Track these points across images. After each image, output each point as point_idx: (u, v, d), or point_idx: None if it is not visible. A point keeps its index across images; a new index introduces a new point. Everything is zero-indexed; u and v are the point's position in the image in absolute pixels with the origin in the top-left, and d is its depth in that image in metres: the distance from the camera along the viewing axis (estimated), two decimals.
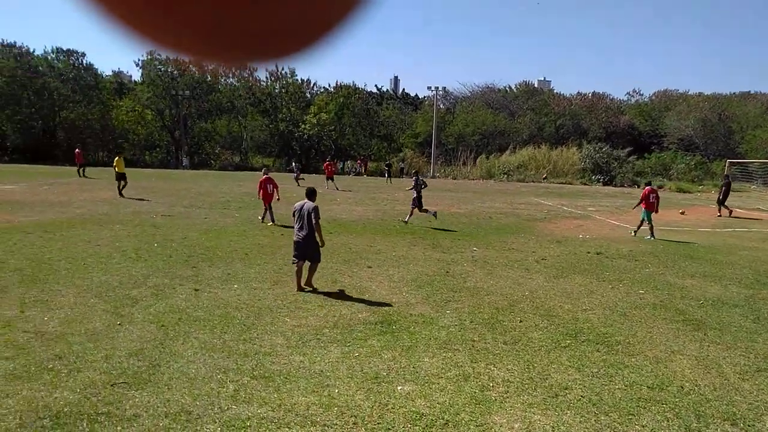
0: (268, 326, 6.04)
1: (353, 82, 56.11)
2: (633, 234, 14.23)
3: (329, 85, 52.27)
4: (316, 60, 0.43)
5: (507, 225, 15.50)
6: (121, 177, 18.98)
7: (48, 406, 4.06)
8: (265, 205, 13.99)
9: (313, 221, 7.57)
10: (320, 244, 7.75)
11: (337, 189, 25.76)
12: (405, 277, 8.63)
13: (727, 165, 27.33)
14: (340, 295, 7.44)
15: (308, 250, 7.65)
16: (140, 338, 5.50)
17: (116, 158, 19.67)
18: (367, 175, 42.21)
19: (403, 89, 76.27)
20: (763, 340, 6.26)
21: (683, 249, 12.29)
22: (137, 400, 4.21)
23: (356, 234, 12.80)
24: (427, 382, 4.76)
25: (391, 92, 72.52)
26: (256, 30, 0.36)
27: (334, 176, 28.05)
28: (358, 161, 45.54)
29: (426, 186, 15.18)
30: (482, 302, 7.38)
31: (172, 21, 0.35)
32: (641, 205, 13.98)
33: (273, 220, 13.86)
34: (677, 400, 4.63)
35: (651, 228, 13.88)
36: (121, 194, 18.70)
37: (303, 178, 28.15)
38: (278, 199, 14.14)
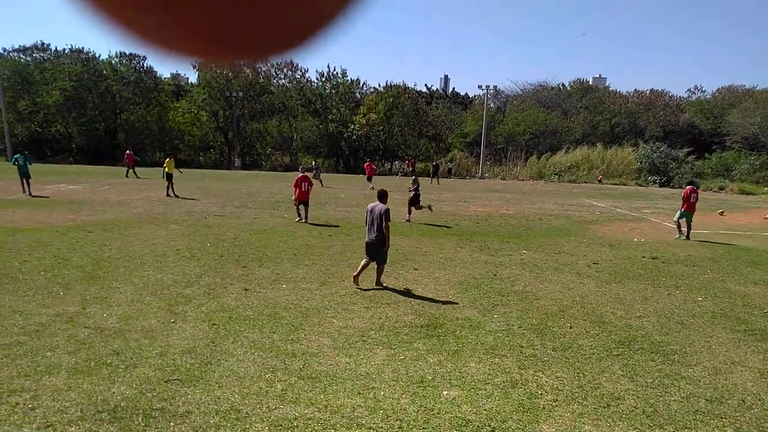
0: (315, 327, 6.13)
1: (403, 81, 56.06)
2: (684, 238, 13.60)
3: (379, 85, 52.52)
4: (314, 54, 0.43)
5: (557, 227, 15.15)
6: (169, 177, 19.61)
7: (106, 400, 4.25)
8: (297, 203, 14.31)
9: (384, 223, 7.79)
10: (386, 247, 7.97)
11: (374, 189, 25.83)
12: (451, 280, 8.57)
13: None
14: (386, 297, 7.46)
15: (376, 251, 7.91)
16: (193, 336, 5.68)
17: (167, 159, 20.37)
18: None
19: (453, 88, 75.96)
20: None
21: (746, 254, 11.68)
22: (189, 396, 4.35)
23: (402, 235, 12.79)
24: (473, 388, 4.71)
25: (441, 91, 72.19)
26: (252, 26, 0.36)
27: (372, 177, 28.11)
28: (407, 161, 45.54)
29: (418, 186, 15.77)
30: (531, 307, 7.24)
31: (166, 19, 0.36)
32: (683, 207, 13.58)
33: (306, 218, 14.22)
34: (738, 414, 4.40)
35: (688, 229, 13.62)
36: (172, 194, 19.35)
37: (319, 178, 27.38)
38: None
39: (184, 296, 7.11)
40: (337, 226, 13.69)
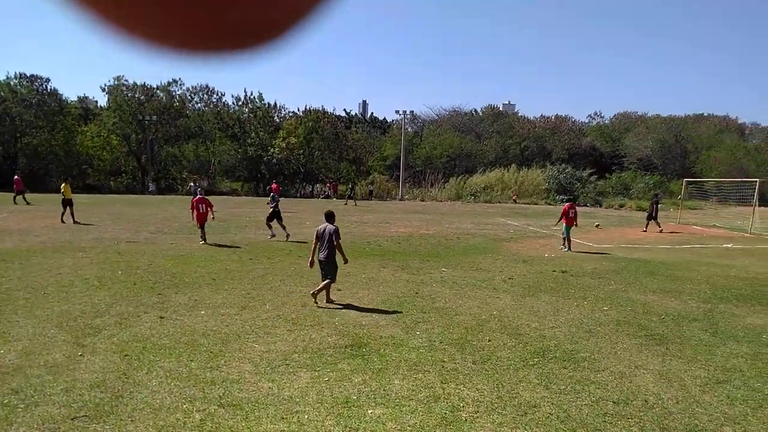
0: (235, 353, 5.95)
1: (322, 106, 56.38)
2: (567, 250, 14.90)
3: (298, 109, 52.46)
4: (283, 52, 0.44)
5: (474, 245, 15.68)
6: (68, 203, 18.53)
7: None
8: (198, 225, 14.49)
9: (335, 242, 8.24)
10: (344, 262, 8.56)
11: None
12: (375, 299, 8.63)
13: (684, 184, 28.32)
14: (310, 319, 7.38)
15: (326, 269, 8.31)
16: (102, 369, 5.34)
17: (63, 184, 19.27)
18: (337, 198, 42.21)
19: (372, 113, 77.26)
20: (721, 352, 6.46)
21: (644, 266, 12.63)
22: None
23: None
24: (397, 405, 4.75)
25: (360, 116, 73.17)
26: (229, 18, 0.37)
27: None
28: (327, 185, 45.57)
29: (278, 204, 16.20)
30: (451, 322, 7.43)
31: (149, 11, 0.36)
32: (562, 220, 15.07)
33: (204, 239, 14.35)
34: (642, 414, 4.73)
35: (569, 242, 15.02)
36: (70, 220, 18.32)
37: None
38: (213, 218, 14.92)
39: (92, 327, 6.68)
40: (239, 247, 13.42)
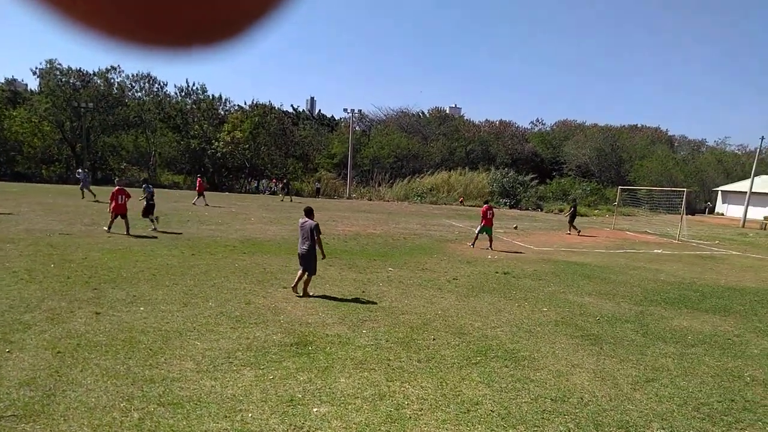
0: (176, 350, 5.79)
1: (269, 101, 55.52)
2: (487, 248, 15.84)
3: (245, 103, 51.39)
4: (238, 50, 0.44)
5: (420, 246, 15.86)
6: None
7: None
8: (112, 216, 14.35)
9: (315, 237, 8.50)
10: (322, 257, 8.74)
11: (207, 204, 25.66)
12: (321, 298, 8.59)
13: (618, 191, 29.65)
14: (254, 317, 7.27)
15: (307, 262, 8.54)
16: (33, 366, 5.07)
17: None
18: (283, 195, 41.66)
19: (320, 110, 76.56)
20: (651, 352, 6.82)
21: (581, 269, 13.16)
22: None
23: (271, 254, 12.58)
24: (343, 403, 4.75)
25: (308, 113, 72.45)
26: (187, 14, 0.37)
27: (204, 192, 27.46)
28: (273, 180, 44.91)
29: (153, 196, 16.19)
30: (397, 321, 7.50)
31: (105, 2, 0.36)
32: (482, 221, 15.92)
33: (128, 231, 14.22)
34: (578, 410, 4.93)
35: (490, 241, 16.06)
36: None
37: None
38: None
39: (21, 323, 6.32)
40: (181, 242, 13.07)
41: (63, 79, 43.94)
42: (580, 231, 22.11)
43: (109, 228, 14.36)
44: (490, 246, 15.82)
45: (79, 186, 25.95)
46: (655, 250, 18.39)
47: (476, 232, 16.22)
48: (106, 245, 12.26)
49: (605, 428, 4.61)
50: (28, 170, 42.07)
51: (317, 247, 8.59)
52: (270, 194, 41.40)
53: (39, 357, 5.32)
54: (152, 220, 15.64)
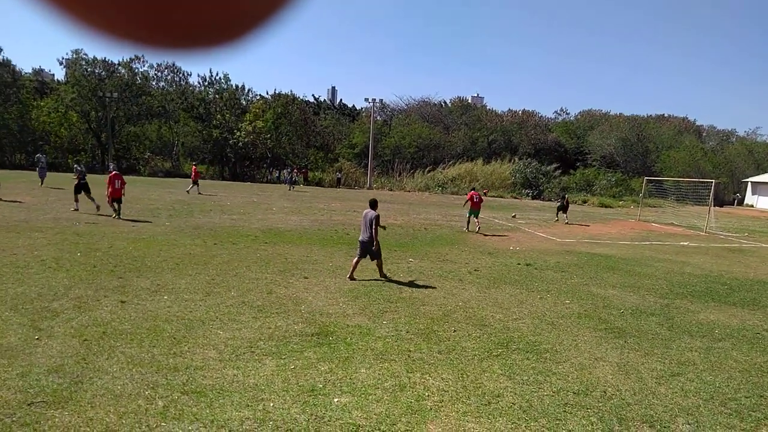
0: (200, 339, 5.86)
1: (291, 90, 55.62)
2: (466, 230, 17.47)
3: (267, 93, 51.61)
4: (247, 51, 0.44)
5: (442, 236, 15.80)
6: None
7: None
8: (110, 201, 15.06)
9: (374, 226, 9.21)
10: (374, 246, 9.33)
11: (200, 193, 25.89)
12: (342, 288, 8.62)
13: (644, 182, 29.12)
14: (276, 306, 7.32)
15: (368, 249, 9.27)
16: (61, 353, 5.18)
17: None
18: (304, 184, 41.89)
19: (341, 99, 76.48)
20: (677, 346, 6.70)
21: (605, 261, 12.97)
22: (57, 420, 3.96)
23: (292, 244, 12.66)
24: (363, 394, 4.76)
25: (329, 102, 72.51)
26: (191, 15, 0.36)
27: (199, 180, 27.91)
28: (295, 170, 45.17)
29: (85, 175, 16.90)
30: (418, 312, 7.48)
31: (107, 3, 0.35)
32: (468, 204, 17.57)
33: (119, 215, 15.06)
34: (601, 404, 4.87)
35: (477, 223, 17.40)
36: None
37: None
38: (123, 195, 15.44)
39: (50, 310, 6.47)
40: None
41: (88, 69, 44.62)
42: (565, 219, 22.56)
43: (115, 212, 15.12)
44: (478, 228, 17.20)
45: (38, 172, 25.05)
46: (682, 243, 18.04)
47: (467, 215, 17.76)
48: (131, 234, 12.46)
49: (629, 423, 4.54)
50: (55, 159, 42.89)
51: (374, 235, 9.28)
52: (291, 184, 41.63)
53: (67, 344, 5.44)
54: (91, 200, 16.16)
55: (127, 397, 4.39)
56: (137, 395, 4.43)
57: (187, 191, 25.77)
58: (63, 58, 45.50)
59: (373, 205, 9.55)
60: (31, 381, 4.56)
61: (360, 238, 9.43)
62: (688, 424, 4.59)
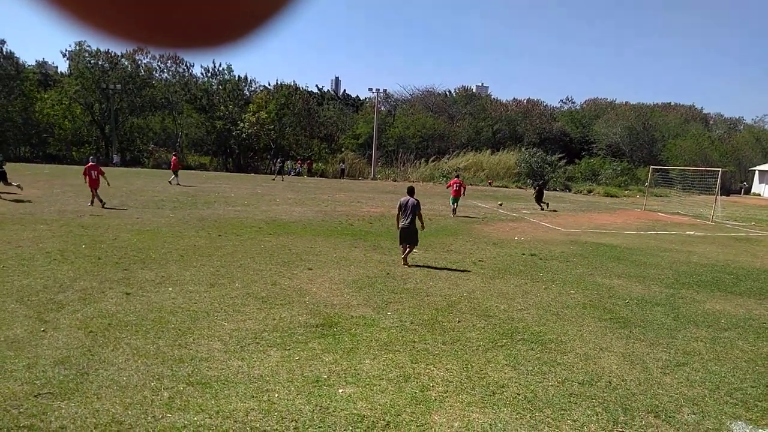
0: (204, 331, 5.87)
1: (294, 81, 55.44)
2: (453, 215, 18.39)
3: (269, 84, 51.47)
4: (248, 50, 0.43)
5: (446, 227, 15.77)
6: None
7: None
8: (91, 191, 15.77)
9: (417, 212, 9.79)
10: (422, 228, 10.01)
11: (179, 184, 25.61)
12: (346, 279, 8.62)
13: (650, 171, 28.96)
14: (280, 298, 7.33)
15: (410, 236, 9.74)
16: (66, 345, 5.20)
17: None
18: (308, 176, 41.88)
19: (344, 90, 76.23)
20: (682, 336, 6.67)
21: (610, 251, 12.92)
22: (63, 411, 3.98)
23: (296, 235, 12.66)
24: (368, 384, 4.77)
25: (332, 93, 72.27)
26: (192, 15, 0.36)
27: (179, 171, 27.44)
28: (298, 161, 45.14)
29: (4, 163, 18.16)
30: (422, 303, 7.48)
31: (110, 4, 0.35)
32: (452, 192, 18.57)
33: (92, 203, 15.69)
34: (605, 394, 4.85)
35: (454, 210, 18.53)
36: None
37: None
38: (108, 185, 16.55)
39: (55, 302, 6.49)
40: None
41: (92, 61, 44.58)
42: (545, 207, 22.92)
43: (100, 202, 15.64)
44: (453, 213, 18.40)
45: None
46: (688, 232, 17.95)
47: (450, 203, 18.72)
48: (135, 226, 12.49)
49: (634, 412, 4.53)
50: (59, 152, 43.07)
51: (418, 221, 9.79)
52: (295, 175, 41.62)
53: (72, 336, 5.46)
54: (15, 185, 16.95)
55: (132, 388, 4.41)
56: (143, 386, 4.45)
57: (170, 182, 25.55)
58: (66, 51, 45.51)
59: (411, 192, 10.09)
60: (37, 372, 4.58)
61: (401, 225, 9.82)
62: (694, 414, 4.57)
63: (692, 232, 17.87)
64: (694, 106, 67.25)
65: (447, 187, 18.92)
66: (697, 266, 11.54)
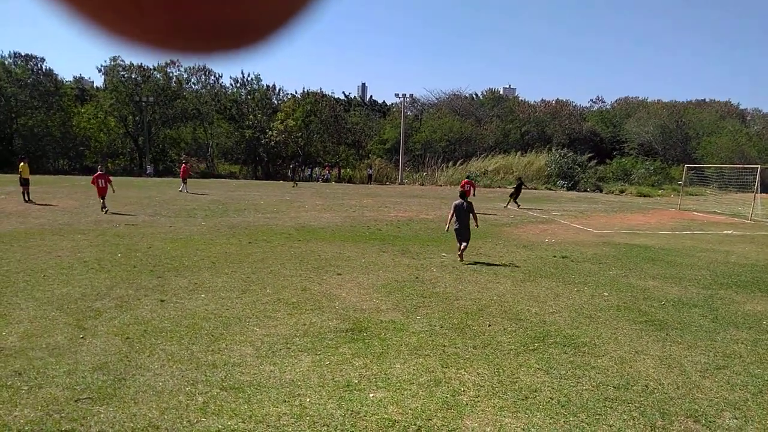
0: (236, 336, 5.96)
1: (320, 88, 55.99)
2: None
3: (296, 92, 52.05)
4: (270, 54, 0.43)
5: (474, 230, 15.62)
6: (25, 183, 19.26)
7: (8, 425, 3.91)
8: (100, 197, 16.96)
9: (473, 212, 10.94)
10: (476, 226, 11.11)
11: (188, 192, 25.93)
12: (375, 284, 8.63)
13: (684, 170, 28.25)
14: (310, 303, 7.38)
15: (465, 235, 10.73)
16: (104, 351, 5.35)
17: (21, 164, 20.01)
18: (335, 182, 42.15)
19: (371, 95, 76.70)
20: (721, 338, 6.48)
21: (644, 252, 12.64)
22: (102, 415, 4.09)
23: (325, 241, 12.75)
24: (398, 389, 4.76)
25: (359, 99, 72.65)
26: (212, 20, 0.36)
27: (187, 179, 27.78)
28: (326, 167, 45.47)
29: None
30: (452, 307, 7.44)
31: (135, 11, 0.35)
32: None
33: (105, 211, 16.50)
34: (642, 399, 4.74)
35: None
36: (28, 200, 19.00)
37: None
38: (113, 191, 17.59)
39: (93, 310, 6.68)
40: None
41: (125, 75, 45.86)
42: (519, 206, 23.39)
43: (103, 207, 16.70)
44: None
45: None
46: (725, 231, 17.43)
47: None
48: (169, 235, 12.76)
49: (672, 417, 4.41)
50: (95, 164, 44.17)
51: (472, 220, 10.86)
52: (323, 181, 41.93)
53: (110, 342, 5.60)
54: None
55: (168, 393, 4.50)
56: (178, 391, 4.54)
57: (180, 191, 25.98)
58: (102, 66, 46.91)
59: (463, 195, 11.08)
60: (77, 378, 4.72)
61: (456, 227, 10.75)
62: (735, 418, 4.43)
63: (730, 232, 17.35)
64: (730, 102, 65.23)
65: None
66: (735, 266, 11.19)
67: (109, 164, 45.98)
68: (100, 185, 17.00)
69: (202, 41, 0.38)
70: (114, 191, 17.71)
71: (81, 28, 0.36)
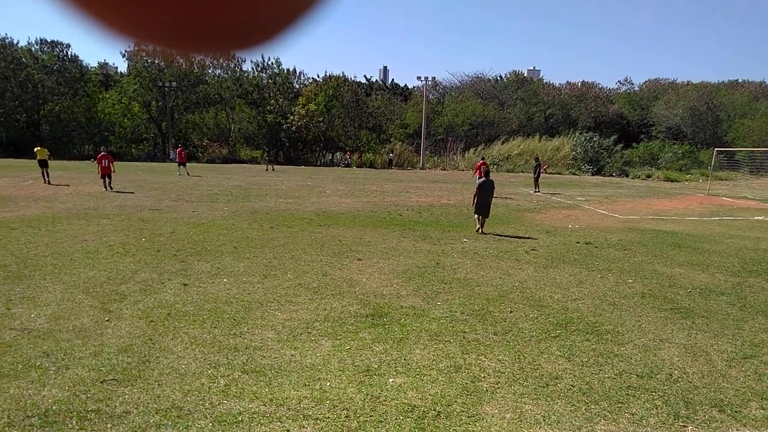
0: (258, 320, 6.01)
1: (342, 72, 55.78)
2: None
3: (318, 76, 51.98)
4: (283, 47, 0.42)
5: (497, 215, 15.52)
6: (43, 164, 20.65)
7: (36, 404, 4.01)
8: (102, 176, 18.58)
9: (494, 189, 12.25)
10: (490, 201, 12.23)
11: (188, 175, 26.70)
12: (395, 269, 8.62)
13: (714, 154, 27.54)
14: (331, 288, 7.41)
15: (487, 209, 12.14)
16: (129, 334, 5.44)
17: (37, 148, 21.56)
18: (357, 167, 42.13)
19: (393, 79, 76.00)
20: (749, 327, 6.33)
21: (671, 238, 12.39)
22: (127, 396, 4.17)
23: (346, 226, 12.77)
24: (418, 374, 4.76)
25: (381, 82, 72.21)
26: (225, 18, 0.35)
27: (186, 163, 28.44)
28: (347, 152, 45.44)
29: None
30: (473, 293, 7.39)
31: (144, 12, 0.34)
32: (476, 173, 18.90)
33: (111, 188, 18.41)
34: (666, 387, 4.66)
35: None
36: (47, 181, 20.40)
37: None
38: (113, 171, 18.92)
39: (118, 293, 6.80)
40: (260, 216, 13.47)
41: (149, 60, 46.25)
42: (538, 190, 23.47)
43: (108, 187, 18.42)
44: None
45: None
46: (757, 217, 16.99)
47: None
48: (192, 220, 12.92)
49: (696, 406, 4.33)
50: (119, 149, 44.95)
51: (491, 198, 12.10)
52: (344, 166, 41.95)
53: (134, 325, 5.70)
54: None
55: (191, 375, 4.57)
56: (200, 374, 4.60)
57: (179, 175, 26.42)
58: (125, 51, 47.31)
59: (488, 174, 12.43)
60: (103, 360, 4.81)
61: (480, 201, 11.95)
62: (763, 408, 4.33)
63: (761, 217, 16.90)
64: (764, 82, 63.14)
65: (474, 173, 19.80)
66: (766, 253, 10.91)
67: (132, 149, 46.76)
68: (104, 165, 18.46)
69: (208, 42, 0.37)
70: (114, 171, 19.00)
71: (88, 28, 0.35)
